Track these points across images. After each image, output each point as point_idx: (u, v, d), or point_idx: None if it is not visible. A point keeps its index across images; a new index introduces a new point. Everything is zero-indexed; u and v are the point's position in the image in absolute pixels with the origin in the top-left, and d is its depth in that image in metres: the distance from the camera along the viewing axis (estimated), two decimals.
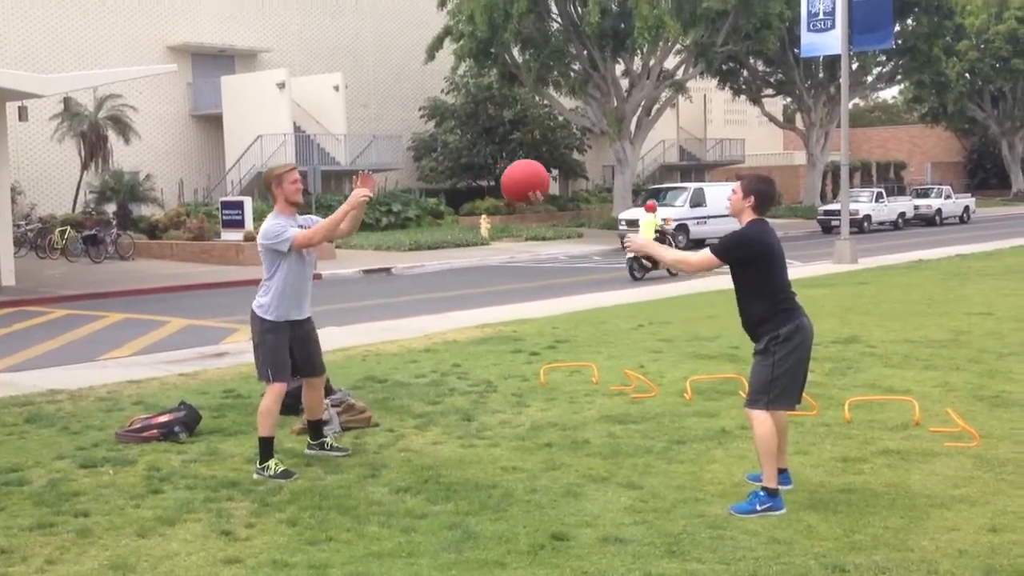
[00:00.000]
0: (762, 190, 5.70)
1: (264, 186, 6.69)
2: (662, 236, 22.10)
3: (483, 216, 35.02)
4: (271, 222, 6.47)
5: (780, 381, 5.57)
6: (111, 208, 31.91)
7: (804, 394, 5.99)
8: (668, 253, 6.07)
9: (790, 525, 5.28)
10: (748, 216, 5.71)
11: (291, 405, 7.19)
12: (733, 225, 5.83)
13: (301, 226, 6.54)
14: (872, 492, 5.80)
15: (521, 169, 6.35)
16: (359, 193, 6.39)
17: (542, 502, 5.74)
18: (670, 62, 39.75)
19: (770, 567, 4.72)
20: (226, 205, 28.23)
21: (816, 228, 38.44)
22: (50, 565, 4.96)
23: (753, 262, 5.63)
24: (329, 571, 4.78)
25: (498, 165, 42.47)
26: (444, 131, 42.40)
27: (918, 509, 5.50)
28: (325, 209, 33.88)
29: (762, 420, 5.57)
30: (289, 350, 6.56)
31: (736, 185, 5.80)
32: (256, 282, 6.66)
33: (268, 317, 6.49)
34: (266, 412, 6.46)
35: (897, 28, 42.01)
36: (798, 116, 53.32)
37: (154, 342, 13.42)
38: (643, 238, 6.08)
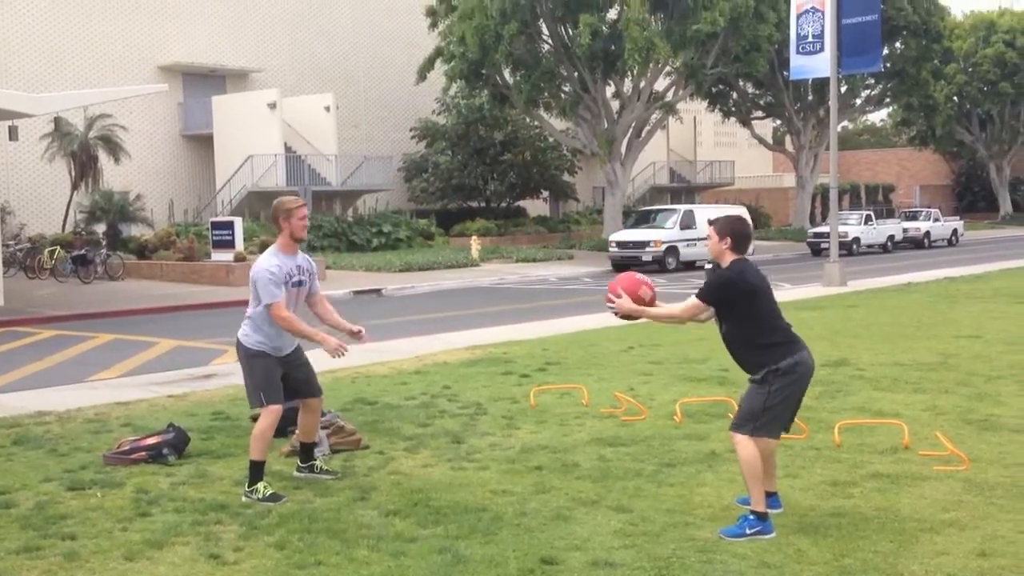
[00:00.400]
0: (736, 229, 5.72)
1: (271, 218, 6.69)
2: None
3: (473, 237, 35.07)
4: (270, 262, 6.46)
5: (771, 411, 5.59)
6: (101, 228, 31.84)
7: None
8: (655, 312, 5.98)
9: (780, 549, 5.28)
10: (729, 257, 5.73)
11: (280, 427, 7.16)
12: None
13: (299, 266, 6.59)
14: (862, 516, 5.81)
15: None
16: (340, 347, 6.39)
17: (532, 525, 5.73)
18: (660, 84, 39.95)
19: None
20: (216, 225, 28.20)
21: (805, 250, 38.58)
22: None
23: (736, 302, 5.64)
24: None
25: (488, 186, 42.60)
26: (435, 152, 42.48)
27: (908, 533, 5.50)
28: (315, 230, 33.93)
29: (745, 444, 5.57)
30: (283, 375, 6.57)
31: (710, 230, 5.81)
32: (247, 302, 6.64)
33: (255, 348, 6.51)
34: (260, 435, 6.44)
35: (885, 51, 42.33)
36: (787, 138, 53.62)
37: (143, 363, 13.37)
38: (628, 302, 5.86)
